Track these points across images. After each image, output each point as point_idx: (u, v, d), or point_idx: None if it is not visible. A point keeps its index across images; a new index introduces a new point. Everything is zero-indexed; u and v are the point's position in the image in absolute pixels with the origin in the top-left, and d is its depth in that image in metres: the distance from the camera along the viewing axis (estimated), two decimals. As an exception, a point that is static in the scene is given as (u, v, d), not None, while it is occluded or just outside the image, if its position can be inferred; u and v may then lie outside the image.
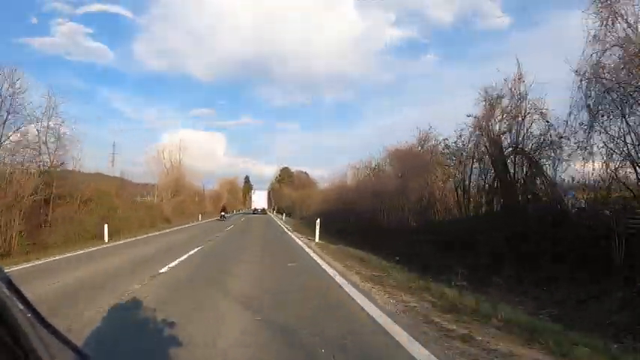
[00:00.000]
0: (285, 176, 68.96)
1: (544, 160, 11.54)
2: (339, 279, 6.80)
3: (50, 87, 24.80)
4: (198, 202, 42.69)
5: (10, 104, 13.76)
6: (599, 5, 9.34)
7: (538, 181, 11.56)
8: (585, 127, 9.52)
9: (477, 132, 13.74)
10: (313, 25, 72.36)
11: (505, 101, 12.83)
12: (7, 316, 0.53)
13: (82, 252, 10.75)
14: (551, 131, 11.38)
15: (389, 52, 75.38)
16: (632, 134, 8.50)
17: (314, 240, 13.90)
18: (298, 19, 72.78)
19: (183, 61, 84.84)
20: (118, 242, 13.54)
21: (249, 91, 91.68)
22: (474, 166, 14.18)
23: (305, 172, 61.86)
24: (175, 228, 22.44)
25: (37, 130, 15.22)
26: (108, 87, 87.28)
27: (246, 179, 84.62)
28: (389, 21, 75.45)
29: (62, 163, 16.26)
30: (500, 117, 12.96)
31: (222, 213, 30.97)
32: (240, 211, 56.39)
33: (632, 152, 8.41)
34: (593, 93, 9.33)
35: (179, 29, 77.40)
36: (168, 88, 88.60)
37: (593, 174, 9.18)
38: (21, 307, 0.57)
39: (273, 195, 58.02)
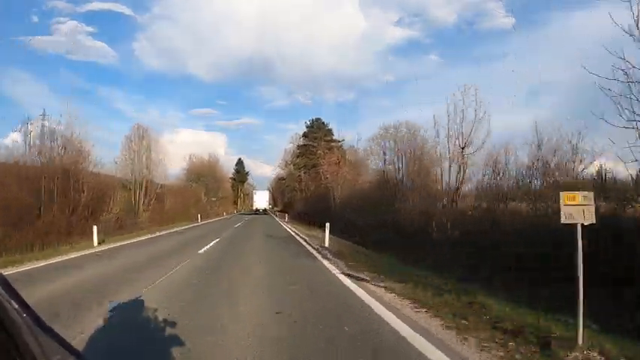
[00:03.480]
0: (321, 133, 38.81)
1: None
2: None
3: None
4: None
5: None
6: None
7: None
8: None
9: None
10: (315, 25, 71.32)
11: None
12: (3, 318, 0.53)
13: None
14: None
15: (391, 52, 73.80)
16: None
17: None
18: (299, 19, 71.80)
19: (184, 60, 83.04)
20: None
21: (250, 91, 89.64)
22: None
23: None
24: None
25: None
26: (109, 86, 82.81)
27: (239, 165, 58.40)
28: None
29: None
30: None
31: None
32: (223, 216, 39.24)
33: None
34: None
35: (180, 28, 76.45)
36: (169, 88, 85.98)
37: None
38: (18, 308, 0.57)
39: (284, 189, 49.22)
